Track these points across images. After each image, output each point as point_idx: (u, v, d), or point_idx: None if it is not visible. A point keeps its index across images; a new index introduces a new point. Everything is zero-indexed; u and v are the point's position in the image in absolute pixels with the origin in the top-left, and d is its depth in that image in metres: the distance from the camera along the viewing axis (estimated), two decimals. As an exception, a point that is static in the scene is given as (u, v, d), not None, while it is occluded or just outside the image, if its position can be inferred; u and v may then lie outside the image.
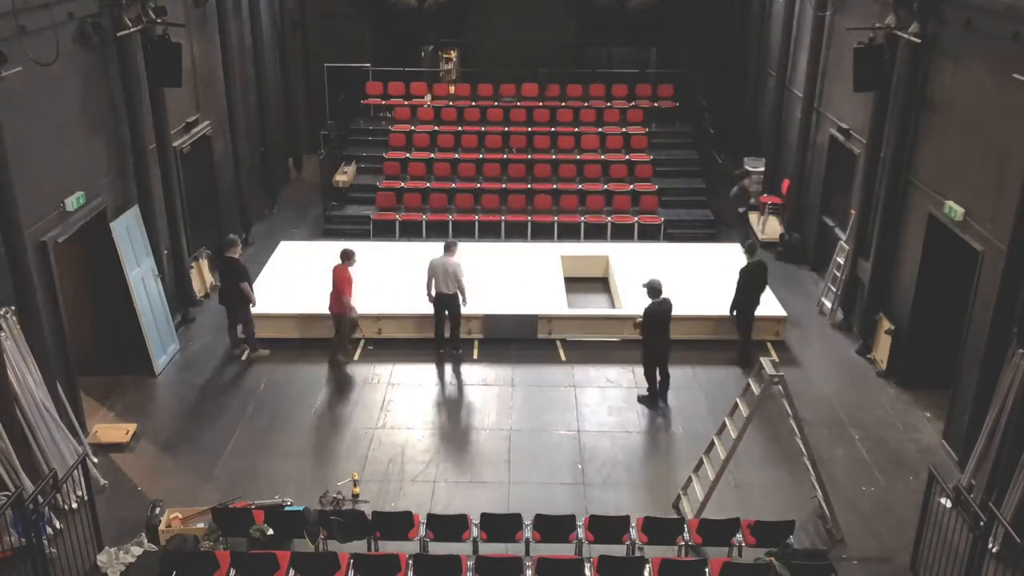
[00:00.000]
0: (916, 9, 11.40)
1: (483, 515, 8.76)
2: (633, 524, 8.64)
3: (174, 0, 12.82)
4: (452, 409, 11.67)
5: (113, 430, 10.88)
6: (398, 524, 8.73)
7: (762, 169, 18.16)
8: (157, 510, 9.28)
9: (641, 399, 11.77)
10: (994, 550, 8.53)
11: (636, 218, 17.37)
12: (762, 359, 9.34)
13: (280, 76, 19.54)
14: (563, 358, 12.85)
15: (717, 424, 11.20)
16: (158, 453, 10.67)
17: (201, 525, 8.95)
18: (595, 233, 17.17)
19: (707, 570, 8.06)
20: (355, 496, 9.76)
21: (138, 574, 8.74)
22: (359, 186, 18.34)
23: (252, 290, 12.53)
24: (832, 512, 9.31)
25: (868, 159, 12.93)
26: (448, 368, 12.59)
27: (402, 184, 18.13)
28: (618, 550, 8.55)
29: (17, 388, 9.13)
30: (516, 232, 17.20)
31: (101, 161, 11.49)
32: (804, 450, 9.43)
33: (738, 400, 9.56)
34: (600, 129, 19.33)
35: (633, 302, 12.85)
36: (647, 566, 8.09)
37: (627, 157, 18.70)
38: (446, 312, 12.60)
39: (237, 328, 12.71)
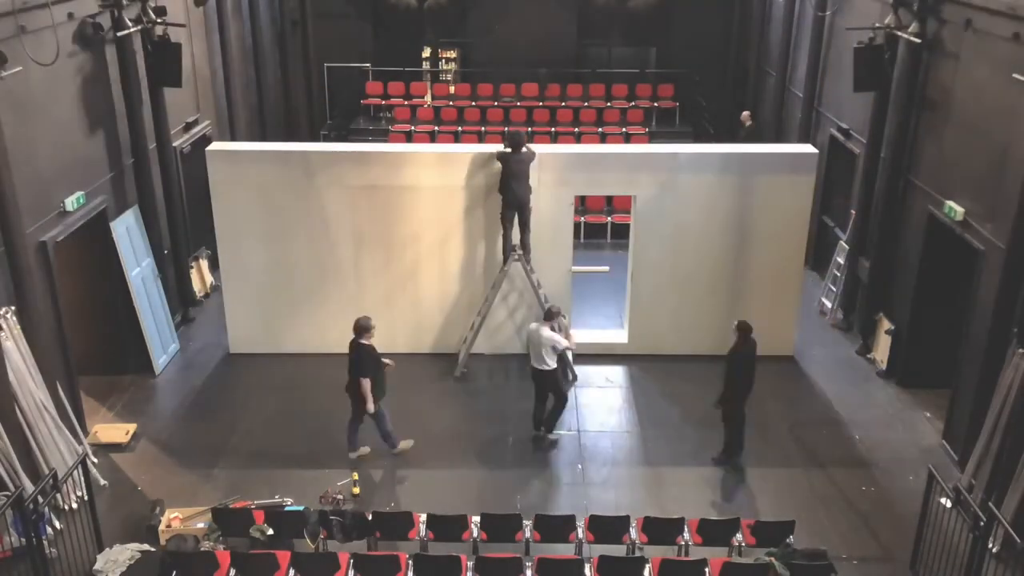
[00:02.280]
0: (916, 9, 11.40)
1: (483, 515, 8.76)
2: (633, 524, 8.64)
3: (174, 0, 12.82)
4: (452, 409, 11.66)
5: (113, 430, 10.88)
6: (398, 524, 8.73)
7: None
8: (157, 510, 9.29)
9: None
10: (994, 550, 8.53)
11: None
12: None
13: (280, 76, 19.54)
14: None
15: (716, 422, 11.24)
16: (158, 453, 10.67)
17: (201, 525, 8.95)
18: (595, 233, 17.18)
19: (707, 570, 8.06)
20: (355, 496, 9.77)
21: (138, 574, 8.75)
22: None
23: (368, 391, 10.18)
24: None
25: (868, 159, 12.93)
26: (448, 367, 12.59)
27: (402, 184, 18.13)
28: (618, 550, 8.56)
29: (17, 388, 9.13)
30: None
31: (101, 161, 11.49)
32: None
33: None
34: (600, 129, 19.34)
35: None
36: (647, 566, 8.09)
37: (627, 157, 18.69)
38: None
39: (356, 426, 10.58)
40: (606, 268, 13.95)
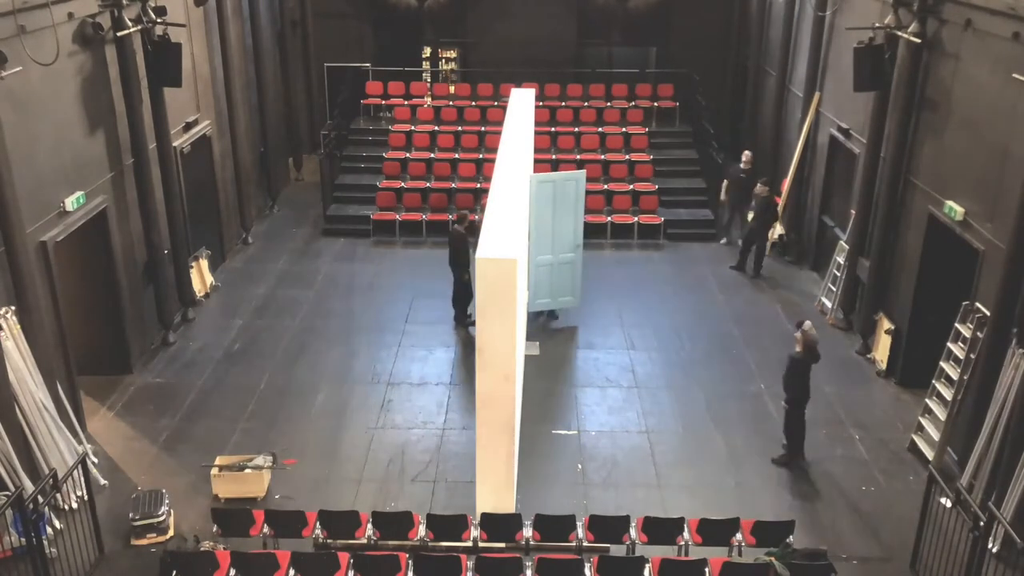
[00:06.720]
0: (916, 9, 11.40)
1: (483, 515, 8.76)
2: (633, 524, 8.64)
3: (174, 0, 12.82)
4: (452, 408, 11.66)
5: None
6: (398, 524, 8.73)
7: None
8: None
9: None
10: (994, 550, 8.53)
11: (636, 218, 17.39)
12: None
13: (280, 76, 19.54)
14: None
15: (716, 422, 11.25)
16: (158, 453, 10.67)
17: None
18: (595, 233, 17.17)
19: (707, 570, 8.06)
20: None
21: (138, 574, 8.74)
22: (359, 186, 18.36)
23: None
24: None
25: (868, 159, 12.92)
26: (447, 367, 12.59)
27: (402, 184, 18.15)
28: (618, 550, 8.56)
29: (17, 388, 9.13)
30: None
31: (101, 161, 11.48)
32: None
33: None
34: (600, 129, 19.34)
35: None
36: (647, 566, 8.09)
37: (627, 157, 18.71)
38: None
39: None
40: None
